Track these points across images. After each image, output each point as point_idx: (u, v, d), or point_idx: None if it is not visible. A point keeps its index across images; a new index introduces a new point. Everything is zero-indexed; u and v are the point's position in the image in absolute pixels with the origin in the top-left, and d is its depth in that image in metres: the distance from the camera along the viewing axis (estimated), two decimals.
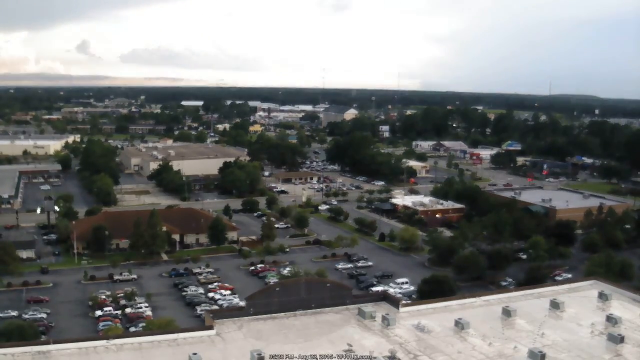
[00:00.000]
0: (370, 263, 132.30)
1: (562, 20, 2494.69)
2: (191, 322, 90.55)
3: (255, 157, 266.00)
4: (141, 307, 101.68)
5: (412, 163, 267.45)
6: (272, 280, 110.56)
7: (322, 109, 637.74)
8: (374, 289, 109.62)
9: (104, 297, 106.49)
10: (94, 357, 48.21)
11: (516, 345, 51.79)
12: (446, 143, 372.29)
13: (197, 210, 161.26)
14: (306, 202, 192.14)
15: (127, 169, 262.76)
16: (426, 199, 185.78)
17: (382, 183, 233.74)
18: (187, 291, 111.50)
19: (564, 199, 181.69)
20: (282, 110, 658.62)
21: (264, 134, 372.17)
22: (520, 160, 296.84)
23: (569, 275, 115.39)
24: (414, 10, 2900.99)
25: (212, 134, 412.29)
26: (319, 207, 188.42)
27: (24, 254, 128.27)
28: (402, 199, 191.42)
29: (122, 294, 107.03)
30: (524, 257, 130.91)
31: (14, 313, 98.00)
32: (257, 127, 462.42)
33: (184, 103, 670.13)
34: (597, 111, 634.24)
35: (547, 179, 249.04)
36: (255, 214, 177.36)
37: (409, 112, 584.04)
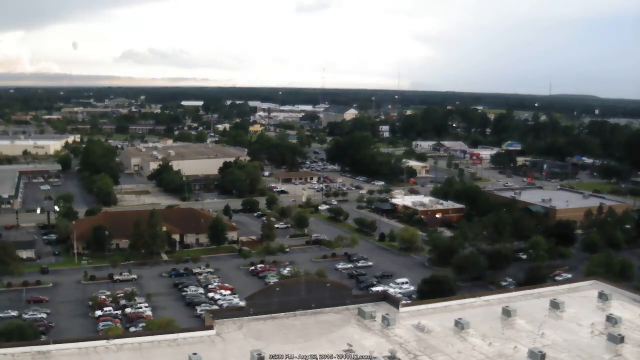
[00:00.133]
0: (370, 263, 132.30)
1: (561, 20, 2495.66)
2: (191, 322, 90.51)
3: (255, 157, 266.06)
4: (141, 307, 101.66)
5: (412, 163, 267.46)
6: (272, 280, 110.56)
7: (322, 109, 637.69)
8: (374, 289, 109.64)
9: (104, 297, 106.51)
10: (94, 357, 48.21)
11: (516, 345, 51.79)
12: (446, 143, 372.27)
13: (197, 210, 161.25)
14: (306, 202, 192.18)
15: (127, 169, 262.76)
16: (426, 199, 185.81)
17: (382, 183, 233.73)
18: (187, 291, 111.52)
19: (564, 199, 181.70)
20: (282, 110, 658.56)
21: (264, 134, 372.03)
22: (520, 160, 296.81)
23: (569, 275, 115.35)
24: (399, 9, 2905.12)
25: (212, 134, 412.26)
26: (319, 207, 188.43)
27: (24, 254, 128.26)
28: (402, 199, 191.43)
29: (122, 294, 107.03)
30: (524, 257, 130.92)
31: (14, 313, 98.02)
32: (257, 127, 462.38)
33: (184, 103, 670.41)
34: (597, 111, 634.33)
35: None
36: (255, 214, 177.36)
37: (409, 112, 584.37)
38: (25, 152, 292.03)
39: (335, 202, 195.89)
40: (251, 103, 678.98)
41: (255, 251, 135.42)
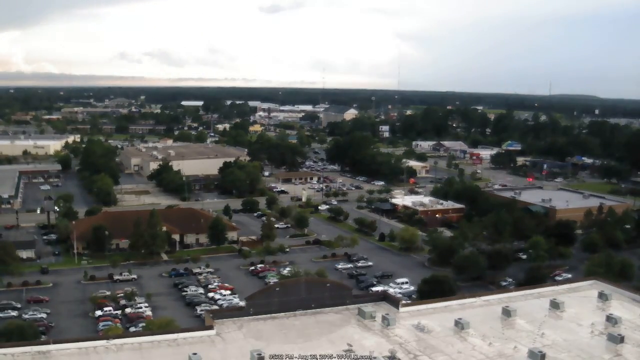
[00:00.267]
0: (370, 263, 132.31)
1: (561, 19, 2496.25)
2: (191, 322, 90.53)
3: (255, 157, 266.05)
4: (141, 307, 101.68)
5: (412, 163, 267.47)
6: (272, 280, 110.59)
7: (322, 109, 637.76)
8: (374, 289, 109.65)
9: (104, 297, 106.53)
10: (94, 357, 48.22)
11: (516, 345, 51.79)
12: (446, 143, 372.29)
13: (197, 210, 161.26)
14: (306, 202, 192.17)
15: (127, 169, 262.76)
16: (426, 199, 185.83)
17: (382, 183, 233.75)
18: (187, 291, 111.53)
19: (564, 199, 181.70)
20: (282, 110, 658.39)
21: (264, 134, 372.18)
22: (520, 160, 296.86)
23: (569, 275, 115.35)
24: (378, 8, 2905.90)
25: (212, 134, 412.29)
26: (319, 207, 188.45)
27: (24, 254, 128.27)
28: (402, 199, 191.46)
29: (122, 294, 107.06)
30: (524, 257, 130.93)
31: (14, 313, 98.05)
32: (257, 127, 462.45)
33: (184, 103, 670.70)
34: (597, 111, 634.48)
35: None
36: (255, 214, 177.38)
37: (409, 112, 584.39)
38: (25, 152, 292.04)
39: (335, 202, 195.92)
40: (251, 103, 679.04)
41: (255, 251, 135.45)
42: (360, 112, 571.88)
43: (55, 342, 50.61)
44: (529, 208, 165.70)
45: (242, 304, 69.40)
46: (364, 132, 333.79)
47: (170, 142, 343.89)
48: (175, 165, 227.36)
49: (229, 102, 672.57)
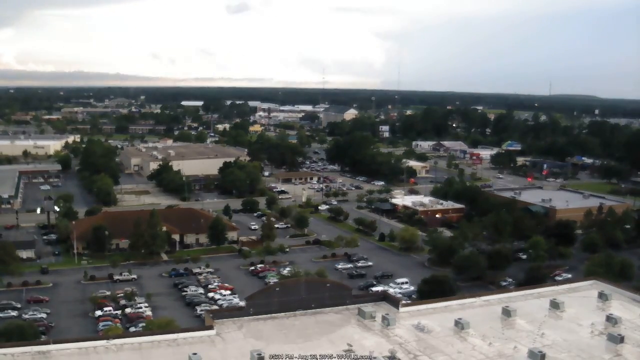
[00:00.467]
0: (370, 263, 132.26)
1: (562, 18, 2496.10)
2: (191, 322, 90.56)
3: (255, 157, 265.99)
4: (141, 307, 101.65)
5: (412, 163, 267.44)
6: (272, 280, 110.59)
7: (322, 109, 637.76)
8: (374, 289, 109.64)
9: (104, 297, 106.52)
10: (94, 357, 48.23)
11: (516, 345, 51.79)
12: (446, 143, 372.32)
13: (197, 210, 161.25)
14: (306, 202, 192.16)
15: (127, 169, 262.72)
16: (426, 199, 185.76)
17: (382, 183, 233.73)
18: (187, 291, 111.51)
19: (564, 199, 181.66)
20: (282, 110, 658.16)
21: (264, 134, 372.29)
22: (520, 160, 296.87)
23: (569, 275, 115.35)
24: (350, 7, 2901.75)
25: (212, 134, 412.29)
26: (319, 207, 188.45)
27: (24, 254, 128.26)
28: (402, 199, 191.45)
29: (122, 294, 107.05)
30: (524, 257, 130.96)
31: (14, 313, 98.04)
32: (257, 127, 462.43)
33: (184, 103, 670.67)
34: (597, 111, 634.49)
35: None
36: (255, 214, 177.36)
37: (408, 112, 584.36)
38: (25, 152, 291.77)
39: (335, 202, 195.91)
40: (251, 103, 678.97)
41: (255, 251, 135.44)
42: (360, 112, 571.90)
43: (55, 342, 50.64)
44: (529, 208, 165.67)
45: (242, 304, 69.42)
46: (364, 132, 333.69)
47: (170, 142, 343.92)
48: (175, 165, 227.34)
49: (229, 102, 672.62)
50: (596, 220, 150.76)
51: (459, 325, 54.99)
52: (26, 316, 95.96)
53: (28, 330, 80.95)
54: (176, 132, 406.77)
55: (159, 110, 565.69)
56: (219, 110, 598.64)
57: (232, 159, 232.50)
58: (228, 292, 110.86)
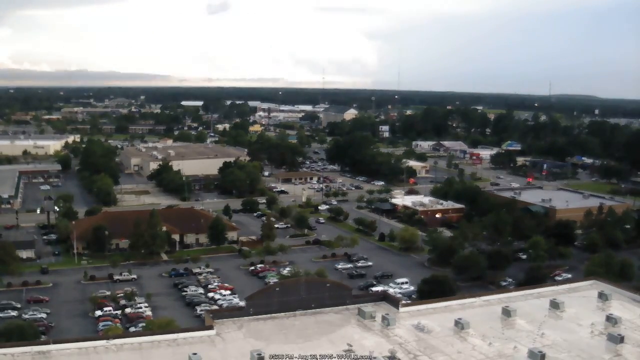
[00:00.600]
0: (370, 263, 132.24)
1: (561, 18, 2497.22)
2: (191, 322, 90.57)
3: (255, 157, 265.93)
4: (141, 307, 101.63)
5: (412, 163, 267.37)
6: (272, 280, 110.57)
7: (322, 109, 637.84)
8: (374, 289, 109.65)
9: (104, 297, 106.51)
10: (94, 357, 48.25)
11: (516, 345, 51.81)
12: (446, 143, 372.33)
13: (197, 210, 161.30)
14: (306, 202, 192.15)
15: (127, 169, 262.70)
16: (426, 199, 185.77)
17: (382, 183, 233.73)
18: (187, 291, 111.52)
19: (564, 199, 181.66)
20: (282, 110, 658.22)
21: (264, 134, 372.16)
22: (520, 160, 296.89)
23: (569, 275, 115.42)
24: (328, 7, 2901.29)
25: (212, 134, 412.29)
26: (319, 207, 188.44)
27: (24, 254, 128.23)
28: (402, 199, 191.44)
29: (122, 294, 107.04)
30: (524, 257, 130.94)
31: (14, 313, 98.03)
32: (257, 127, 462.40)
33: (184, 103, 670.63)
34: (597, 111, 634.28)
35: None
36: (255, 214, 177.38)
37: (408, 112, 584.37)
38: (25, 152, 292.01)
39: (335, 202, 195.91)
40: (251, 103, 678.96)
41: (255, 251, 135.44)
42: (360, 112, 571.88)
43: (55, 342, 50.68)
44: (529, 208, 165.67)
45: (242, 304, 69.44)
46: (364, 132, 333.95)
47: (170, 142, 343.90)
48: (175, 165, 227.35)
49: (229, 102, 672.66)
50: (596, 220, 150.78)
51: (459, 325, 55.01)
52: (26, 316, 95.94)
53: (28, 330, 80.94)
54: (176, 132, 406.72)
55: (159, 110, 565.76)
56: (219, 110, 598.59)
57: (232, 159, 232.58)
58: (228, 292, 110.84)
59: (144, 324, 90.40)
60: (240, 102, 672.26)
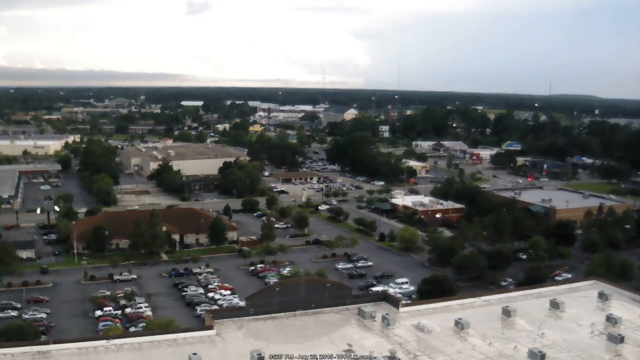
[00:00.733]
0: (370, 263, 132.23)
1: (562, 17, 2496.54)
2: (191, 322, 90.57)
3: (255, 157, 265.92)
4: (141, 307, 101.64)
5: (412, 163, 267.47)
6: (272, 280, 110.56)
7: (322, 109, 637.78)
8: (374, 289, 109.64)
9: (104, 297, 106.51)
10: (94, 357, 48.24)
11: (516, 345, 51.80)
12: (446, 143, 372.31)
13: (197, 210, 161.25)
14: (306, 202, 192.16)
15: (127, 169, 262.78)
16: (426, 199, 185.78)
17: (382, 183, 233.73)
18: (187, 291, 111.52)
19: (564, 199, 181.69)
20: (282, 110, 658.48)
21: (264, 134, 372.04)
22: (520, 160, 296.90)
23: (569, 275, 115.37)
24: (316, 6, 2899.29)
25: (212, 134, 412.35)
26: (319, 207, 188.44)
27: (24, 254, 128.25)
28: (402, 199, 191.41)
29: (122, 294, 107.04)
30: (524, 257, 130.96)
31: (14, 313, 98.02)
32: (257, 127, 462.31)
33: (184, 103, 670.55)
34: (597, 111, 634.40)
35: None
36: (255, 214, 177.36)
37: (408, 112, 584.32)
38: (25, 152, 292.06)
39: (335, 202, 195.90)
40: (251, 103, 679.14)
41: (255, 251, 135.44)
42: (360, 112, 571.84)
43: (55, 342, 50.67)
44: (529, 208, 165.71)
45: (242, 304, 69.41)
46: (364, 132, 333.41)
47: (170, 142, 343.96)
48: (175, 165, 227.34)
49: (229, 102, 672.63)
50: (596, 220, 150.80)
51: (459, 325, 55.01)
52: (26, 316, 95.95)
53: (28, 330, 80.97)
54: (176, 132, 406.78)
55: (159, 110, 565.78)
56: (219, 110, 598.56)
57: (232, 159, 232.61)
58: (228, 292, 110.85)
59: (144, 324, 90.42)
60: (240, 102, 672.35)
